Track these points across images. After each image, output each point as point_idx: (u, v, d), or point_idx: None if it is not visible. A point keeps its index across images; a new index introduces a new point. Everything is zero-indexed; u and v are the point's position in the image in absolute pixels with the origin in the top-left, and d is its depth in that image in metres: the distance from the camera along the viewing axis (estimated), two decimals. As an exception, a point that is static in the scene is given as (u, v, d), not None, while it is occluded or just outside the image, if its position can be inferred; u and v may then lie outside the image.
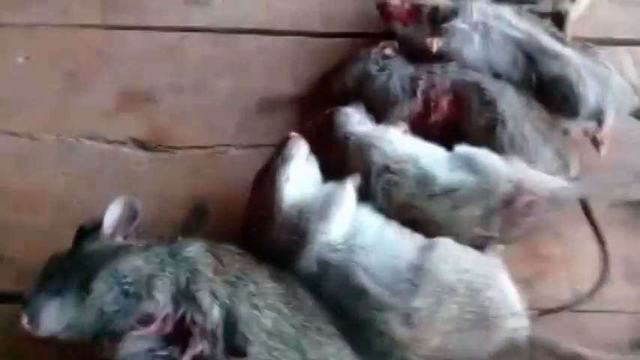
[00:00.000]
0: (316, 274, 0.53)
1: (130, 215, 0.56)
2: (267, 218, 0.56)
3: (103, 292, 0.51)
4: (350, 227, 0.54)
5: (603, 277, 0.59)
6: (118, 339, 0.51)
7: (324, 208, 0.55)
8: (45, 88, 0.77)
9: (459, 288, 0.51)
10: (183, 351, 0.51)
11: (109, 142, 0.73)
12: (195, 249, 0.54)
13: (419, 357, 0.51)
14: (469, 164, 0.57)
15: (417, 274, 0.51)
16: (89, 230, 0.56)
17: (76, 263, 0.53)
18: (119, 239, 0.54)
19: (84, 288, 0.51)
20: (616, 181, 0.62)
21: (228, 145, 0.72)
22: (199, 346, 0.51)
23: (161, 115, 0.75)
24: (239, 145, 0.72)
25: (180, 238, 0.56)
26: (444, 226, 0.56)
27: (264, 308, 0.50)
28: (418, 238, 0.55)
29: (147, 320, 0.51)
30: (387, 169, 0.58)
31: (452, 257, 0.53)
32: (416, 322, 0.50)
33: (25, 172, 0.71)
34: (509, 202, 0.56)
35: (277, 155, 0.60)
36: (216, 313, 0.51)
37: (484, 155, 0.58)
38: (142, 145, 0.73)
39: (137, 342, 0.50)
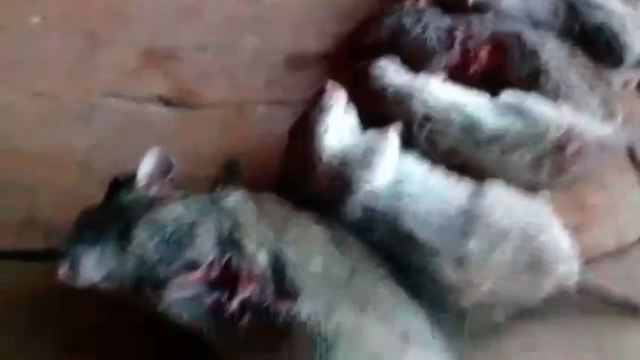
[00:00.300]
0: (361, 221, 0.51)
1: (165, 167, 0.54)
2: (307, 169, 0.55)
3: (144, 240, 0.49)
4: (395, 175, 0.53)
5: None
6: (162, 287, 0.49)
7: (366, 157, 0.53)
8: (64, 48, 0.76)
9: (512, 233, 0.50)
10: (231, 296, 0.49)
11: (134, 99, 0.71)
12: (235, 197, 0.52)
13: (470, 303, 0.50)
14: (517, 110, 0.56)
15: (468, 220, 0.50)
16: (123, 182, 0.54)
17: (112, 214, 0.51)
18: (154, 191, 0.52)
19: (123, 237, 0.49)
20: None
21: (256, 102, 0.71)
22: (248, 291, 0.49)
23: (186, 73, 0.74)
24: (267, 101, 0.71)
25: (218, 189, 0.54)
26: (492, 171, 0.55)
27: (313, 252, 0.48)
28: (467, 184, 0.53)
29: (192, 267, 0.49)
30: (429, 118, 0.57)
31: (503, 203, 0.51)
32: (468, 267, 0.49)
33: (50, 132, 0.69)
34: (559, 147, 0.55)
35: (314, 106, 0.58)
36: (262, 258, 0.49)
37: (532, 101, 0.56)
38: (168, 102, 0.71)
39: (182, 289, 0.49)
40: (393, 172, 0.53)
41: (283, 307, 0.48)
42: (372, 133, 0.57)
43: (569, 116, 0.56)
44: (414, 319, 0.49)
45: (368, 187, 0.52)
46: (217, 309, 0.50)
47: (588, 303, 0.55)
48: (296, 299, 0.48)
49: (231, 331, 0.50)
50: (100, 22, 0.77)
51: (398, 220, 0.50)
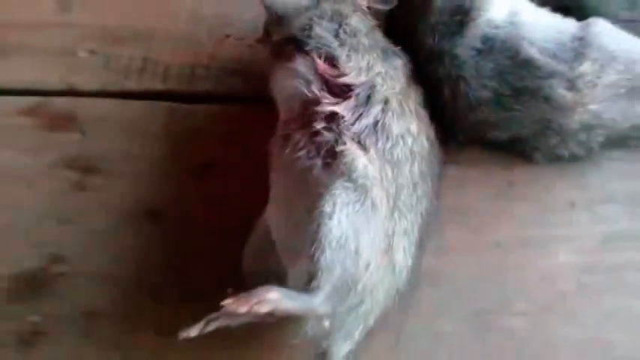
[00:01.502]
0: (480, 50, 0.57)
1: None
2: (424, 7, 0.58)
3: (325, 17, 0.56)
4: (509, 7, 0.58)
5: None
6: (302, 51, 0.55)
7: (483, -11, 0.59)
8: None
9: (619, 57, 0.56)
10: (331, 102, 0.53)
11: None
12: (401, 62, 0.58)
13: (577, 122, 0.57)
14: None
15: (581, 44, 0.56)
16: None
17: None
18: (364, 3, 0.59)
19: (316, 3, 0.57)
20: None
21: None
22: (346, 112, 0.53)
23: None
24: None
25: (399, 48, 0.59)
26: (592, 9, 0.60)
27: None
28: (572, 21, 0.59)
29: (329, 60, 0.54)
30: None
31: (610, 30, 0.57)
32: (580, 87, 0.56)
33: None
34: None
35: None
36: (378, 110, 0.54)
37: None
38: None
39: (306, 66, 0.55)
40: (508, 3, 0.58)
41: (351, 150, 0.52)
42: None
43: None
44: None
45: (487, 16, 0.57)
46: (310, 103, 0.54)
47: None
48: (367, 152, 0.52)
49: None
50: None
51: (517, 46, 0.56)
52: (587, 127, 0.58)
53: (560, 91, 0.56)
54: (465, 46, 0.57)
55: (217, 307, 0.51)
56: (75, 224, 0.62)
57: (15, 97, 0.67)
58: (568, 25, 0.58)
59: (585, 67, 0.56)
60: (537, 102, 0.56)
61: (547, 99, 0.56)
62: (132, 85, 0.68)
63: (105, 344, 0.59)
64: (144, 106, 0.67)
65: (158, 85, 0.68)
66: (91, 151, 0.65)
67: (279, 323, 0.52)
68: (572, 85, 0.56)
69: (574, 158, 0.60)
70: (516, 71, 0.56)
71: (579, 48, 0.56)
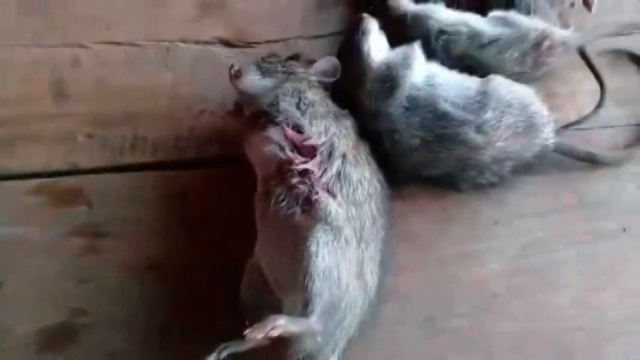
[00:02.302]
0: (407, 108, 0.72)
1: (332, 73, 0.74)
2: (360, 78, 0.74)
3: (287, 94, 0.70)
4: (426, 72, 0.73)
5: (602, 98, 0.79)
6: (270, 124, 0.69)
7: (405, 60, 0.73)
8: (132, 3, 0.90)
9: (514, 103, 0.72)
10: (302, 161, 0.67)
11: (198, 42, 0.88)
12: (350, 123, 0.72)
13: (489, 157, 0.72)
14: (505, 21, 0.77)
15: (483, 97, 0.72)
16: (301, 60, 0.76)
17: (284, 70, 0.73)
18: (313, 79, 0.73)
19: (279, 84, 0.70)
20: (605, 32, 0.82)
21: (298, 37, 0.88)
22: (314, 164, 0.67)
23: (236, 18, 0.89)
24: (306, 36, 0.88)
25: (346, 111, 0.73)
26: (491, 67, 0.76)
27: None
28: (475, 78, 0.75)
29: (296, 128, 0.68)
30: (443, 32, 0.76)
31: (505, 83, 0.73)
32: (487, 130, 0.71)
33: (135, 72, 0.86)
34: (537, 44, 0.76)
35: (356, 31, 0.76)
36: (339, 163, 0.68)
37: (514, 14, 0.77)
38: (227, 43, 0.88)
39: (277, 135, 0.68)
40: (424, 70, 0.73)
41: (324, 198, 0.65)
42: (401, 48, 0.76)
43: (541, 24, 0.77)
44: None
45: (410, 81, 0.72)
46: (284, 164, 0.67)
47: (563, 160, 0.78)
48: (335, 198, 0.66)
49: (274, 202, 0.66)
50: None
51: (435, 103, 0.72)
52: (498, 160, 0.73)
53: (472, 135, 0.71)
54: (396, 106, 0.72)
55: (217, 339, 0.64)
56: (90, 282, 0.74)
57: (25, 181, 0.79)
58: (472, 82, 0.74)
59: (488, 114, 0.71)
60: (456, 145, 0.72)
61: (463, 142, 0.71)
62: (126, 159, 0.81)
63: (127, 380, 0.70)
64: (138, 177, 0.80)
65: (148, 158, 0.81)
66: (96, 220, 0.77)
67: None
68: (480, 129, 0.71)
69: (491, 185, 0.75)
70: (437, 122, 0.72)
71: (482, 100, 0.72)
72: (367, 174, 0.70)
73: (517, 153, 0.73)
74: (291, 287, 0.64)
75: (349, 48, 0.77)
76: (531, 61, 0.77)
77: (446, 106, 0.71)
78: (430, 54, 0.77)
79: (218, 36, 0.89)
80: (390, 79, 0.73)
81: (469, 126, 0.71)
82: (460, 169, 0.73)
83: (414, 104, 0.72)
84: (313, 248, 0.63)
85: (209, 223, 0.76)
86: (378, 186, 0.71)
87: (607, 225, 0.76)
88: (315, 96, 0.72)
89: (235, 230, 0.73)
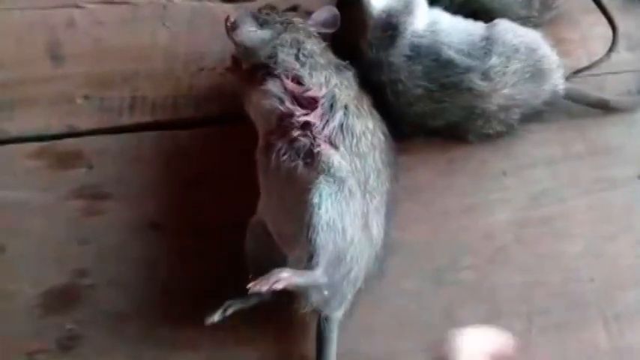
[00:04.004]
0: (410, 57, 0.69)
1: (331, 23, 0.71)
2: (361, 27, 0.71)
3: (285, 45, 0.68)
4: (429, 19, 0.71)
5: (614, 42, 0.77)
6: (269, 76, 0.67)
7: (406, 7, 0.70)
8: None
9: (520, 48, 0.69)
10: (302, 114, 0.65)
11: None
12: (351, 74, 0.70)
13: (495, 105, 0.69)
14: None
15: (488, 42, 0.69)
16: (299, 11, 0.74)
17: (282, 20, 0.70)
18: (313, 30, 0.71)
19: (277, 35, 0.68)
20: None
21: (295, -12, 0.87)
22: (315, 116, 0.65)
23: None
24: (305, -14, 0.87)
25: (347, 62, 0.70)
26: (496, 12, 0.73)
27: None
28: (480, 24, 0.72)
29: (295, 79, 0.66)
30: None
31: (511, 28, 0.71)
32: (492, 77, 0.68)
33: (131, 31, 0.84)
34: None
35: None
36: (341, 115, 0.66)
37: None
38: (225, -1, 0.87)
39: (276, 86, 0.66)
40: (427, 17, 0.71)
41: (326, 150, 0.63)
42: None
43: None
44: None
45: (412, 28, 0.70)
46: (285, 116, 0.65)
47: (573, 107, 0.76)
48: (337, 150, 0.64)
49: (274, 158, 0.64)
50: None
51: (438, 50, 0.69)
52: (505, 108, 0.71)
53: (477, 82, 0.68)
54: (398, 55, 0.70)
55: (222, 297, 0.63)
56: (91, 243, 0.73)
57: (24, 144, 0.78)
58: (477, 27, 0.71)
59: (494, 60, 0.69)
60: (461, 93, 0.69)
61: (468, 89, 0.69)
62: (125, 120, 0.79)
63: (132, 340, 0.69)
64: (137, 137, 0.78)
65: (147, 118, 0.79)
66: (97, 181, 0.76)
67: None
68: (486, 76, 0.68)
69: (499, 135, 0.73)
70: (440, 70, 0.69)
71: (487, 45, 0.69)
72: (370, 125, 0.68)
73: (525, 100, 0.71)
74: (295, 241, 0.63)
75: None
76: (538, 4, 0.74)
77: (450, 53, 0.69)
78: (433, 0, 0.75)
79: (215, -7, 0.88)
80: (391, 27, 0.70)
81: (474, 72, 0.68)
82: (466, 119, 0.71)
83: (417, 52, 0.70)
84: (316, 200, 0.61)
85: (211, 182, 0.75)
86: (382, 137, 0.69)
87: (620, 172, 0.74)
88: (314, 47, 0.70)
89: (238, 188, 0.71)
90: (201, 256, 0.72)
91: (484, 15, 0.73)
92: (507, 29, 0.70)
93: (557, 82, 0.72)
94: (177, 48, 0.82)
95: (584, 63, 0.79)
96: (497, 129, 0.72)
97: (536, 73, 0.70)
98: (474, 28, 0.71)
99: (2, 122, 0.79)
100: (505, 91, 0.69)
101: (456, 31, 0.70)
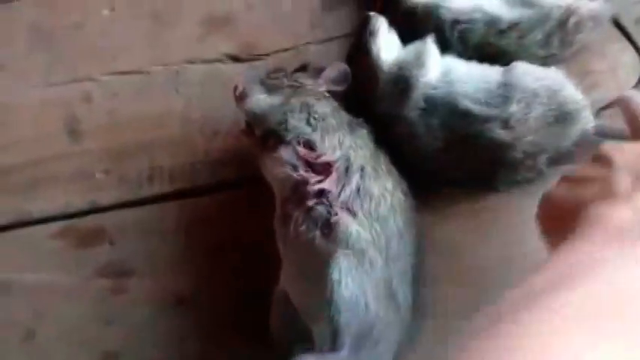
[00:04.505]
0: (425, 109, 0.66)
1: (342, 80, 0.70)
2: (372, 82, 0.69)
3: (295, 110, 0.66)
4: (442, 68, 0.68)
5: None
6: (281, 144, 0.65)
7: (418, 59, 0.68)
8: (136, 31, 0.88)
9: (541, 92, 0.66)
10: (317, 181, 0.63)
11: (206, 62, 0.85)
12: (366, 132, 0.68)
13: (521, 152, 0.66)
14: (522, 1, 0.70)
15: (506, 89, 0.66)
16: (308, 70, 0.72)
17: (290, 84, 0.69)
18: (323, 89, 0.69)
19: (286, 101, 0.67)
20: None
21: (307, 43, 0.84)
22: (330, 183, 0.63)
23: (242, 31, 0.86)
24: (316, 40, 0.83)
25: (361, 119, 0.69)
26: (513, 54, 0.69)
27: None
28: (497, 68, 0.68)
29: (307, 145, 0.65)
30: (457, 22, 0.70)
31: (530, 70, 0.67)
32: (513, 125, 0.65)
33: (146, 99, 0.83)
34: (562, 22, 0.69)
35: (364, 32, 0.72)
36: (357, 178, 0.64)
37: None
38: (235, 58, 0.85)
39: (289, 155, 0.64)
40: (440, 66, 0.68)
41: (343, 219, 0.61)
42: (413, 45, 0.71)
43: None
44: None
45: (425, 80, 0.67)
46: (299, 184, 0.64)
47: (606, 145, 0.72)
48: (356, 217, 0.62)
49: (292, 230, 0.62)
50: (160, 4, 0.89)
51: (454, 101, 0.66)
52: (531, 155, 0.67)
53: (498, 131, 0.65)
54: (412, 108, 0.67)
55: None
56: (118, 323, 0.73)
57: (47, 225, 0.78)
58: (494, 72, 0.68)
59: (513, 107, 0.65)
60: (482, 143, 0.66)
61: (490, 139, 0.65)
62: (145, 192, 0.79)
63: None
64: (158, 209, 0.77)
65: (166, 188, 0.79)
66: (120, 257, 0.76)
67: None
68: (506, 125, 0.65)
69: (528, 181, 0.69)
70: (458, 121, 0.66)
71: (505, 92, 0.66)
72: (389, 186, 0.65)
73: (552, 144, 0.67)
74: (318, 316, 0.61)
75: (358, 51, 0.73)
76: (558, 42, 0.70)
77: (466, 103, 0.65)
78: (446, 46, 0.71)
79: (225, 52, 0.85)
80: (402, 81, 0.68)
81: (494, 122, 0.65)
82: (491, 168, 0.67)
83: (432, 104, 0.67)
84: (336, 276, 0.59)
85: (233, 250, 0.74)
86: (402, 197, 0.66)
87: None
88: (325, 108, 0.68)
89: (261, 255, 0.69)
90: (229, 329, 0.70)
91: (500, 58, 0.70)
92: (526, 72, 0.67)
93: (585, 120, 0.67)
94: (191, 113, 0.81)
95: (615, 94, 0.74)
96: (527, 176, 0.68)
97: (561, 115, 0.66)
98: (490, 73, 0.68)
99: (24, 203, 0.80)
100: (529, 138, 0.66)
101: (471, 79, 0.67)
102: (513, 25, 0.69)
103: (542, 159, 0.67)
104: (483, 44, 0.70)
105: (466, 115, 0.66)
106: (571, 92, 0.67)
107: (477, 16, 0.70)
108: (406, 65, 0.68)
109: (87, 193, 0.80)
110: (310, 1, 0.87)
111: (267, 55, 0.85)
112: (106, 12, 0.91)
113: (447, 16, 0.71)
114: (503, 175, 0.68)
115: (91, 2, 0.91)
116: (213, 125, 0.80)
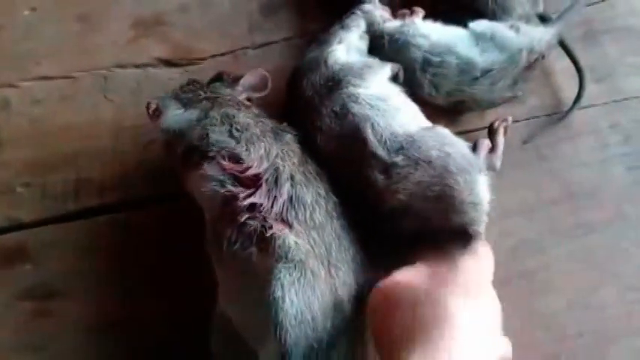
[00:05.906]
0: (336, 114, 0.64)
1: (261, 86, 0.68)
2: (315, 65, 0.67)
3: (216, 124, 0.62)
4: (378, 92, 0.65)
5: (581, 88, 0.73)
6: (205, 160, 0.61)
7: (361, 70, 0.66)
8: (61, 33, 0.83)
9: (435, 164, 0.61)
10: (247, 195, 0.60)
11: (137, 66, 0.81)
12: (291, 137, 0.65)
13: (389, 207, 0.61)
14: (494, 42, 0.69)
15: (407, 140, 0.62)
16: (225, 80, 0.69)
17: (207, 96, 0.66)
18: (243, 97, 0.66)
19: (205, 114, 0.64)
20: (575, 11, 0.74)
21: (245, 48, 0.81)
22: (263, 199, 0.59)
23: (176, 34, 0.83)
24: (254, 45, 0.81)
25: (284, 124, 0.66)
26: (483, 100, 0.70)
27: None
28: (424, 121, 0.66)
29: (233, 158, 0.61)
30: (429, 62, 0.68)
31: (442, 139, 0.63)
32: (392, 176, 0.61)
33: (73, 108, 0.79)
34: (529, 66, 0.70)
35: (338, 24, 0.71)
36: (288, 187, 0.60)
37: (500, 31, 0.69)
38: (168, 62, 0.81)
39: (216, 170, 0.61)
40: (379, 89, 0.65)
41: (278, 229, 0.58)
42: (372, 59, 0.69)
43: (526, 38, 0.69)
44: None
45: (355, 90, 0.64)
46: (229, 200, 0.60)
47: (543, 150, 0.72)
48: (292, 228, 0.58)
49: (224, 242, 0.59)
50: (88, 4, 0.84)
51: (361, 125, 0.63)
52: (397, 215, 0.62)
53: (376, 173, 0.61)
54: (328, 107, 0.64)
55: None
56: (46, 349, 0.67)
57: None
58: (415, 123, 0.64)
59: (399, 159, 0.61)
60: (360, 179, 0.62)
61: (367, 178, 0.62)
62: (71, 207, 0.74)
63: None
64: (86, 225, 0.72)
65: (95, 201, 0.74)
66: (45, 278, 0.70)
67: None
68: (385, 171, 0.61)
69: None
70: (355, 143, 0.62)
71: (404, 143, 0.62)
72: (321, 191, 0.62)
73: (424, 216, 0.61)
74: (264, 338, 0.57)
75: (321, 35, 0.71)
76: (522, 82, 0.71)
77: (368, 132, 0.62)
78: (416, 86, 0.69)
79: (158, 56, 0.82)
80: (334, 81, 0.66)
81: (377, 161, 0.61)
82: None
83: (343, 115, 0.64)
84: (278, 293, 0.55)
85: (168, 268, 0.69)
86: (337, 200, 0.63)
87: (598, 215, 0.71)
88: (247, 117, 0.65)
89: (198, 273, 0.65)
90: (165, 353, 0.66)
91: (468, 103, 0.70)
92: (436, 137, 0.62)
93: (471, 220, 0.60)
94: (122, 121, 0.77)
95: (550, 101, 0.75)
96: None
97: (443, 197, 0.60)
98: (409, 122, 0.64)
99: (-61, 222, 0.74)
100: (401, 197, 0.61)
101: (392, 115, 0.63)
102: (486, 72, 0.69)
103: (411, 222, 0.62)
104: (456, 91, 0.69)
105: (364, 142, 0.62)
106: (470, 183, 0.60)
107: (450, 60, 0.68)
108: (347, 70, 0.66)
109: (6, 209, 0.74)
110: (248, 4, 0.85)
111: (203, 59, 0.81)
112: (26, 12, 0.86)
113: (417, 55, 0.69)
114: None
115: (11, 2, 0.85)
116: (146, 134, 0.75)
